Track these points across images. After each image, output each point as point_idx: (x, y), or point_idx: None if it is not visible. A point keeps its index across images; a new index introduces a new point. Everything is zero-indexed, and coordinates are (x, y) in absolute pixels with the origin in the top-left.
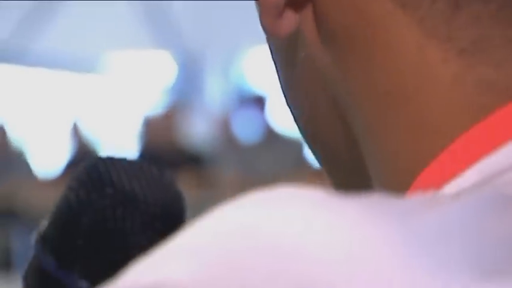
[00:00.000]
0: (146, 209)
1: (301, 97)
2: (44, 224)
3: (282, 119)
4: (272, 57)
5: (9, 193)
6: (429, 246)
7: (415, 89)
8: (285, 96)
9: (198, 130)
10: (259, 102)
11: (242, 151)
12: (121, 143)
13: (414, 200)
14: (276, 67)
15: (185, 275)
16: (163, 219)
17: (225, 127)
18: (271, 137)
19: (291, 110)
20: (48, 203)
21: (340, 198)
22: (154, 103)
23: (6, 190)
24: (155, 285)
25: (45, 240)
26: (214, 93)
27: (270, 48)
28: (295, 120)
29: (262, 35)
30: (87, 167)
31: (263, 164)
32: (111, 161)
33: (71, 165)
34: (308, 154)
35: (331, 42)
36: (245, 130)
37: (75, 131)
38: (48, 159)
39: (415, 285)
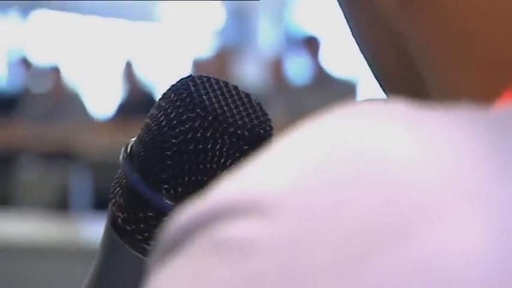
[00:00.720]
0: (235, 131)
1: (365, 36)
2: (132, 141)
3: (334, 61)
4: None
5: (66, 134)
6: None
7: (488, 28)
8: (351, 33)
9: (249, 73)
10: (310, 44)
11: (293, 93)
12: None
13: (505, 112)
14: (339, 5)
15: (284, 187)
16: (252, 142)
17: (276, 69)
18: (322, 79)
19: (358, 47)
20: (102, 144)
21: (428, 111)
22: (205, 47)
23: (63, 131)
24: (252, 199)
25: (133, 158)
26: (266, 36)
27: None
28: (362, 55)
29: None
30: (177, 87)
31: (315, 106)
32: (201, 81)
33: (124, 107)
34: (360, 96)
35: None
36: (296, 72)
37: (129, 74)
38: (102, 101)
39: None
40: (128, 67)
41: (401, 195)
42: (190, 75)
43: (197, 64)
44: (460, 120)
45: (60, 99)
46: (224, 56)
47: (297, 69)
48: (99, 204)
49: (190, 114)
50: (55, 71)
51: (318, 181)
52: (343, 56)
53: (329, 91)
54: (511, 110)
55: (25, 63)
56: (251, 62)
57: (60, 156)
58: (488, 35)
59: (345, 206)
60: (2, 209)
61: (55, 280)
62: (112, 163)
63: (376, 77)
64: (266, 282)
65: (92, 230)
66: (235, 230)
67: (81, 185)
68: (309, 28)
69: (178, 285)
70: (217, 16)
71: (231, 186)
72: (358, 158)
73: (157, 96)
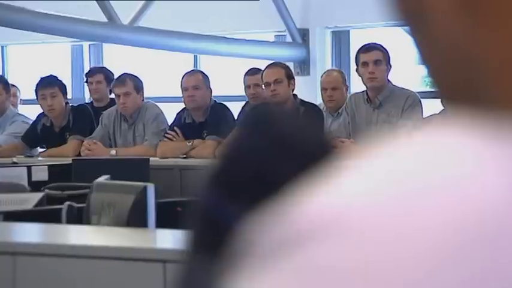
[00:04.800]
0: (302, 154)
1: (429, 51)
2: (212, 164)
3: (398, 73)
4: (400, 14)
5: (142, 148)
6: None
7: None
8: (417, 48)
9: (310, 90)
10: (374, 54)
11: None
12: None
13: None
14: (404, 22)
15: (365, 207)
16: (318, 165)
17: (337, 84)
18: (386, 91)
19: (423, 62)
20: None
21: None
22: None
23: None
24: (336, 219)
25: (213, 181)
26: (324, 62)
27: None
28: (426, 69)
29: (366, 14)
30: (254, 114)
31: (378, 119)
32: (273, 107)
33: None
34: (424, 109)
35: (469, 5)
36: (360, 85)
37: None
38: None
39: None
40: (194, 75)
41: (476, 204)
42: (264, 103)
43: (253, 74)
44: (497, 146)
45: (135, 110)
46: (282, 66)
47: (360, 82)
48: (163, 215)
49: (268, 141)
50: (130, 81)
51: (399, 204)
52: (408, 69)
53: (393, 104)
54: None
55: (101, 77)
56: (309, 83)
57: (137, 167)
58: None
59: (420, 224)
60: (80, 223)
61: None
62: (172, 170)
63: (437, 88)
64: None
65: (164, 236)
66: (317, 253)
67: (153, 194)
68: (373, 41)
69: None
70: (276, 41)
71: (313, 207)
72: (427, 178)
73: (222, 105)
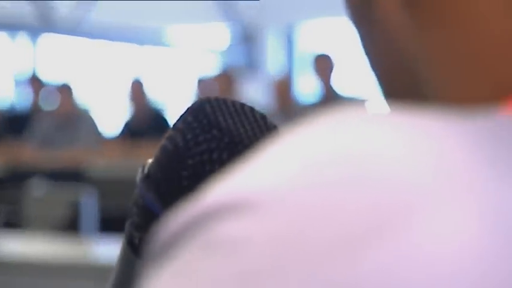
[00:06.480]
0: (237, 144)
1: (375, 51)
2: (149, 163)
3: (344, 81)
4: (348, 13)
5: (75, 153)
6: None
7: (499, 55)
8: (363, 49)
9: (255, 93)
10: (321, 62)
11: (300, 113)
12: (178, 104)
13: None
14: (352, 22)
15: (274, 187)
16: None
17: (282, 90)
18: (331, 98)
19: (369, 63)
20: (109, 163)
21: (420, 116)
22: (212, 68)
23: (73, 150)
24: (242, 199)
25: (149, 179)
26: (273, 56)
27: (346, 6)
28: (371, 70)
29: (319, 7)
30: (194, 109)
31: None
32: (217, 103)
33: (131, 127)
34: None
35: (412, 5)
36: (305, 92)
37: (136, 93)
38: (110, 121)
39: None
40: (135, 86)
41: (391, 195)
42: (207, 97)
43: (202, 84)
44: (451, 124)
45: (70, 118)
46: (229, 76)
47: (306, 89)
48: (106, 223)
49: (207, 136)
50: (65, 89)
51: (308, 182)
52: (353, 76)
53: None
54: (506, 118)
55: (35, 82)
56: (257, 83)
57: (70, 176)
58: (498, 60)
59: (336, 205)
60: (12, 229)
61: None
62: (118, 182)
63: (380, 87)
64: (257, 277)
65: (101, 249)
66: (226, 228)
67: (90, 204)
68: (318, 48)
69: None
70: (224, 38)
71: (222, 188)
72: (347, 160)
73: (165, 115)
